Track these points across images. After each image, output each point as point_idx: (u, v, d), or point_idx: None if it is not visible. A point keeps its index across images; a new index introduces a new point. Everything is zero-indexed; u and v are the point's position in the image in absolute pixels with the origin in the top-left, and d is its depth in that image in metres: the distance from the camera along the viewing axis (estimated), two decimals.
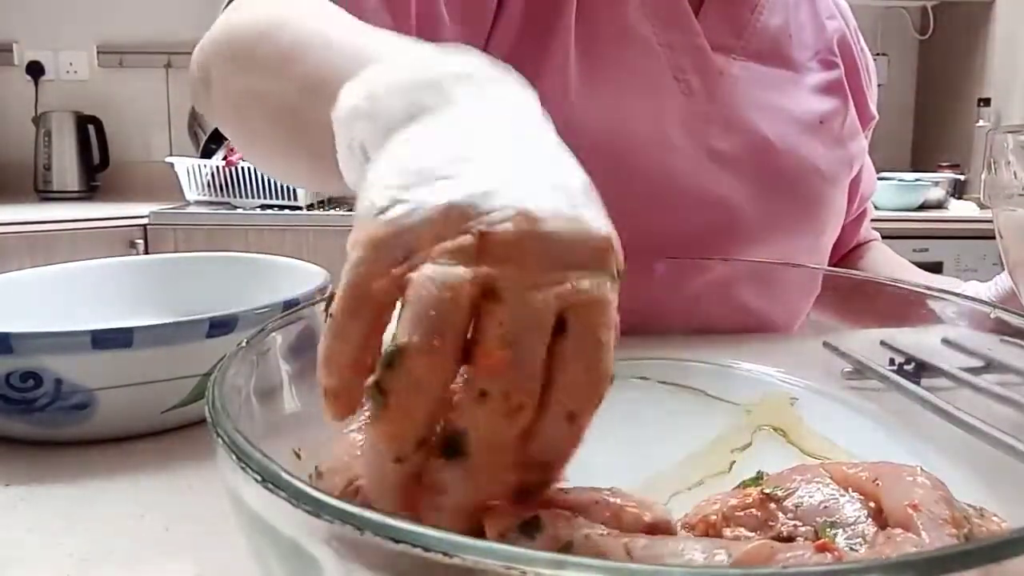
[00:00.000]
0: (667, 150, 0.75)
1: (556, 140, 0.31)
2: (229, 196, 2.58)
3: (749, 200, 0.78)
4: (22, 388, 0.48)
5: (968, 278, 0.83)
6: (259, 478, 0.24)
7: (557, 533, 0.26)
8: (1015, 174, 0.54)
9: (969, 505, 0.30)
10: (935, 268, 2.35)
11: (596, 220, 0.28)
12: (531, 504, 0.27)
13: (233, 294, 0.65)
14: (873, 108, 0.92)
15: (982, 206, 2.43)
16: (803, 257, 0.82)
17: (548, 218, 0.27)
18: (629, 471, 0.29)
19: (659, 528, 0.28)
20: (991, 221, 0.58)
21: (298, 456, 0.35)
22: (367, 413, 0.27)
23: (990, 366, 0.49)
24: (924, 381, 0.52)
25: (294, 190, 2.49)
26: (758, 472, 0.34)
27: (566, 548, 0.26)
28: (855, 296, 0.56)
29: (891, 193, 2.50)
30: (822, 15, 0.88)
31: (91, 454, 0.50)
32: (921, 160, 3.08)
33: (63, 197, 2.79)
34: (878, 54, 3.01)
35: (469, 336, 0.26)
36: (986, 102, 2.70)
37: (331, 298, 0.28)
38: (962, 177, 2.74)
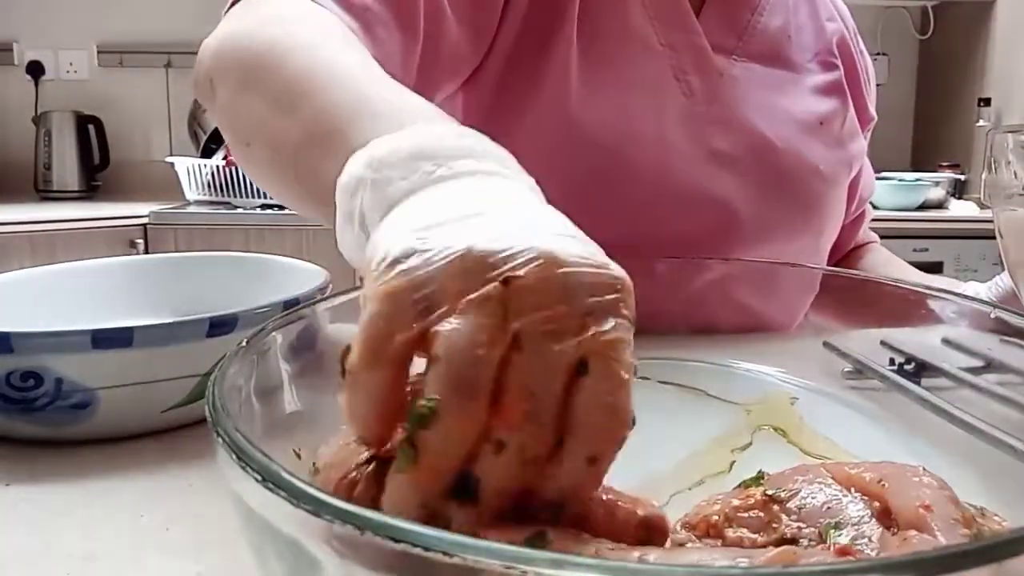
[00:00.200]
0: (667, 150, 0.75)
1: (558, 212, 0.31)
2: (229, 196, 2.58)
3: (749, 200, 0.78)
4: (22, 388, 0.48)
5: (968, 278, 0.83)
6: (259, 478, 0.24)
7: (564, 548, 0.26)
8: (1015, 174, 0.54)
9: (970, 505, 0.30)
10: (935, 268, 2.35)
11: (612, 264, 0.28)
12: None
13: (233, 294, 0.65)
14: (872, 110, 0.92)
15: (982, 206, 2.43)
16: (802, 257, 0.82)
17: (570, 260, 0.27)
18: (629, 471, 0.29)
19: (652, 524, 0.28)
20: (991, 221, 0.58)
21: (298, 456, 0.35)
22: None
23: (990, 366, 0.49)
24: (924, 381, 0.52)
25: None
26: (759, 472, 0.34)
27: None
28: (855, 296, 0.56)
29: (891, 193, 2.50)
30: (822, 17, 0.88)
31: (91, 454, 0.50)
32: (921, 160, 3.08)
33: (63, 197, 2.79)
34: (878, 54, 3.01)
35: None
36: (986, 102, 2.70)
37: (346, 351, 0.27)
38: (962, 177, 2.74)
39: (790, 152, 0.80)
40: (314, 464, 0.32)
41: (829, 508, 0.30)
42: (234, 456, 0.26)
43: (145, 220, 2.44)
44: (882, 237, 1.07)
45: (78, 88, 3.01)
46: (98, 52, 3.01)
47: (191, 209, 2.56)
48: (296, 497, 0.23)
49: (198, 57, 0.59)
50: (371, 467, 0.28)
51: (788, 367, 0.55)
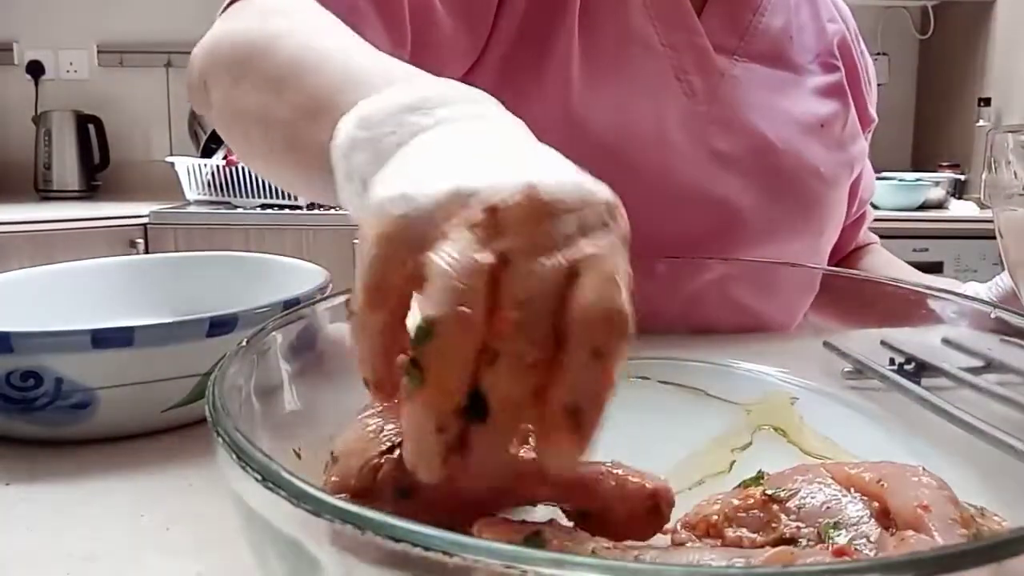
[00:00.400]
0: (668, 150, 0.75)
1: (544, 144, 0.32)
2: (229, 196, 2.58)
3: (750, 201, 0.78)
4: (23, 387, 0.48)
5: (968, 278, 0.83)
6: (259, 477, 0.24)
7: (561, 547, 0.26)
8: (1015, 174, 0.54)
9: (970, 505, 0.30)
10: (935, 268, 2.35)
11: (598, 185, 0.29)
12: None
13: (233, 294, 0.65)
14: (873, 111, 0.92)
15: (982, 206, 2.43)
16: (802, 258, 0.82)
17: (553, 187, 0.28)
18: None
19: (660, 495, 0.29)
20: (991, 221, 0.58)
21: (298, 456, 0.35)
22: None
23: (990, 366, 0.49)
24: (924, 381, 0.52)
25: None
26: (758, 472, 0.34)
27: None
28: (855, 296, 0.56)
29: (891, 193, 2.50)
30: (823, 18, 0.88)
31: (91, 453, 0.50)
32: (921, 160, 3.08)
33: (63, 196, 2.79)
34: (878, 54, 3.01)
35: None
36: (986, 102, 2.70)
37: (351, 298, 0.29)
38: (962, 177, 2.74)
39: (791, 153, 0.80)
40: (332, 453, 0.32)
41: (828, 508, 0.30)
42: (234, 456, 0.26)
43: (145, 220, 2.44)
44: (882, 237, 1.07)
45: (78, 88, 3.01)
46: (98, 52, 3.01)
47: (191, 209, 2.56)
48: (296, 497, 0.23)
49: (190, 63, 0.60)
50: (393, 454, 0.29)
51: (788, 367, 0.55)
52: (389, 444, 0.30)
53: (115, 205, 2.58)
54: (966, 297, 0.48)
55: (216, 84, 0.56)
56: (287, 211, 2.48)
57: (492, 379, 0.26)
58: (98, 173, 2.91)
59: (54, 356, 0.48)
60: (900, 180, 2.57)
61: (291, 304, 0.53)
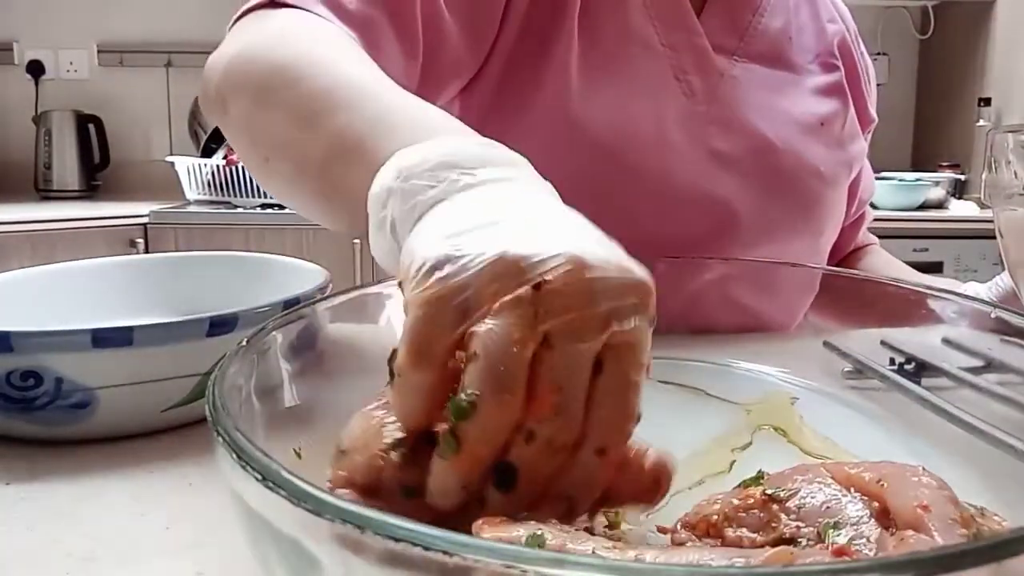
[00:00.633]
0: (668, 150, 0.75)
1: (579, 214, 0.33)
2: (229, 195, 2.58)
3: (749, 201, 0.78)
4: (22, 387, 0.48)
5: (968, 278, 0.83)
6: (259, 477, 0.24)
7: (561, 547, 0.26)
8: (1015, 174, 0.54)
9: (970, 505, 0.30)
10: (935, 268, 2.35)
11: (637, 267, 0.30)
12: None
13: (233, 293, 0.65)
14: (873, 111, 0.92)
15: (982, 206, 2.43)
16: (802, 258, 0.82)
17: (596, 264, 0.29)
18: None
19: (661, 467, 0.31)
20: (991, 221, 0.58)
21: (298, 455, 0.35)
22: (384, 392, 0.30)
23: (990, 366, 0.49)
24: (924, 381, 0.52)
25: None
26: (758, 472, 0.34)
27: None
28: (855, 296, 0.56)
29: (891, 193, 2.50)
30: (823, 18, 0.88)
31: (91, 453, 0.50)
32: (921, 160, 3.08)
33: (63, 196, 2.79)
34: (878, 54, 3.01)
35: None
36: (986, 102, 2.70)
37: (393, 354, 0.30)
38: (962, 177, 2.74)
39: (790, 153, 0.80)
40: (338, 446, 0.32)
41: (828, 508, 0.30)
42: (234, 456, 0.26)
43: (145, 220, 2.44)
44: (882, 237, 1.07)
45: (78, 87, 3.01)
46: (98, 51, 3.01)
47: (191, 209, 2.56)
48: (296, 496, 0.23)
49: (205, 74, 0.59)
50: (398, 452, 0.30)
51: (788, 367, 0.55)
52: (396, 438, 0.30)
53: (115, 205, 2.58)
54: (966, 297, 0.48)
55: (236, 102, 0.56)
56: (287, 211, 2.48)
57: (524, 455, 0.28)
58: (98, 173, 2.91)
59: (54, 356, 0.48)
60: (900, 180, 2.57)
61: (291, 304, 0.53)
